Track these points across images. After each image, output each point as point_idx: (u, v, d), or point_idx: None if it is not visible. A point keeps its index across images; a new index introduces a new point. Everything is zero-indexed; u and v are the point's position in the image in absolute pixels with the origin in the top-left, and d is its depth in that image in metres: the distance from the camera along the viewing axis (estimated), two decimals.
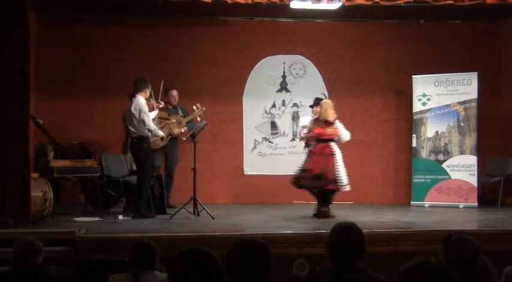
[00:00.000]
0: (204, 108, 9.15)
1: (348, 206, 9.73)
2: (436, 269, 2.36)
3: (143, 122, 8.15)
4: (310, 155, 8.44)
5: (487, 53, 10.66)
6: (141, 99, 8.23)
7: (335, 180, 8.19)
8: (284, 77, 10.78)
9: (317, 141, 8.41)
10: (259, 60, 10.67)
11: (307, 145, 8.68)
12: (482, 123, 9.99)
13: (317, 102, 8.69)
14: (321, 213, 8.25)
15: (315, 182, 8.22)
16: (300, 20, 10.51)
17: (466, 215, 9.01)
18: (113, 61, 10.08)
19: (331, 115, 8.38)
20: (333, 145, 8.37)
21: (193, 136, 8.48)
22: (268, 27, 10.70)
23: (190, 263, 2.66)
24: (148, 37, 10.30)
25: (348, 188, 8.31)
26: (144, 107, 8.20)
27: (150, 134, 8.31)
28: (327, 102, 8.51)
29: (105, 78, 10.04)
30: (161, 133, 8.54)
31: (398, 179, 10.57)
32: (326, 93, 10.04)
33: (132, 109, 8.17)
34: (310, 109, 9.02)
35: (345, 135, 8.50)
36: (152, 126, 8.28)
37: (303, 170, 8.34)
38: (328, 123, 8.38)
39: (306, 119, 8.97)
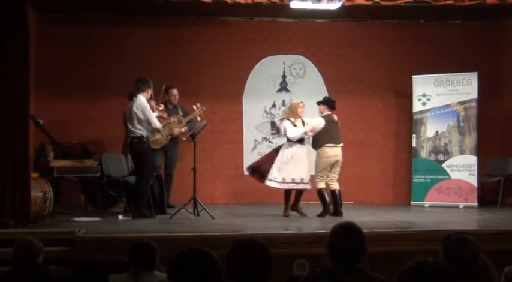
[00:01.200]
0: (204, 108, 9.14)
1: (348, 206, 9.73)
2: (435, 268, 2.36)
3: (148, 121, 8.15)
4: None
5: (487, 53, 10.65)
6: (142, 99, 8.22)
7: None
8: (284, 77, 10.78)
9: None
10: (259, 60, 10.66)
11: None
12: (482, 123, 9.99)
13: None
14: None
15: None
16: (300, 20, 10.50)
17: (466, 215, 9.01)
18: (113, 61, 10.08)
19: None
20: None
21: (193, 136, 8.48)
22: (268, 27, 10.70)
23: (190, 263, 2.66)
24: (148, 37, 10.29)
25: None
26: (147, 106, 8.20)
27: (149, 133, 8.33)
28: None
29: (105, 78, 10.04)
30: (161, 126, 8.60)
31: (398, 179, 10.57)
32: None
33: (134, 108, 8.16)
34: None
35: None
36: (158, 124, 8.32)
37: None
38: None
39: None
